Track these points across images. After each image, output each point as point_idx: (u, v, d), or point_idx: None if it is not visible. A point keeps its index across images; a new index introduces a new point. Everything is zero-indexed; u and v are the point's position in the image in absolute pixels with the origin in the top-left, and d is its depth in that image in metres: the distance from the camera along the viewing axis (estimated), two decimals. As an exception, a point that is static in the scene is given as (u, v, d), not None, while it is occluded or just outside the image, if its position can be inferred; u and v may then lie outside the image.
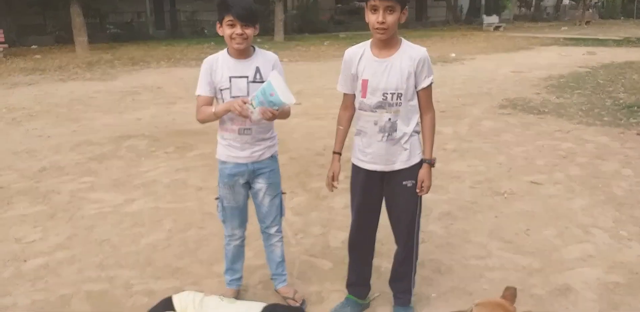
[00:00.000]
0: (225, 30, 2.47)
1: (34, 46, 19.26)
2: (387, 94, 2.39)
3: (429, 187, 2.50)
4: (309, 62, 14.97)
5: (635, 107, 7.74)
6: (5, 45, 16.23)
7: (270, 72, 2.39)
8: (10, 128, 7.14)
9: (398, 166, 2.49)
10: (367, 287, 2.86)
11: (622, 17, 44.32)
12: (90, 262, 3.38)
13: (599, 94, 9.09)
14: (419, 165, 2.51)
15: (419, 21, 36.20)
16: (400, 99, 2.39)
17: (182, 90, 10.12)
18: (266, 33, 23.23)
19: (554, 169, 5.07)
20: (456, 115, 7.61)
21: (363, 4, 2.36)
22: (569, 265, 3.25)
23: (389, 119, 2.42)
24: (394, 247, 2.76)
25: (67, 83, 11.19)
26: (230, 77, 2.53)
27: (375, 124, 2.45)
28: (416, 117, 2.49)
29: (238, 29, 2.43)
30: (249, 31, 2.46)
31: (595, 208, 4.12)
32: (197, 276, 3.22)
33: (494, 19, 31.36)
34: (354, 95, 2.54)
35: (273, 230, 2.88)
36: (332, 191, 2.74)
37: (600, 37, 23.12)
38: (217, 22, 2.51)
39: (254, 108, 2.34)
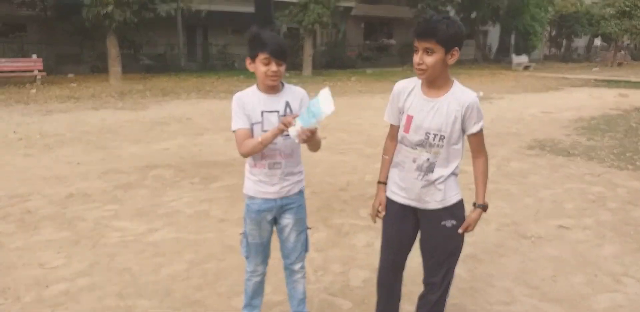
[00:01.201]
0: (259, 67, 2.49)
1: (70, 75, 19.95)
2: (429, 134, 2.38)
3: (472, 229, 2.47)
4: (336, 97, 15.01)
5: (668, 152, 7.57)
6: (44, 73, 16.87)
7: (323, 89, 2.38)
8: (42, 154, 7.32)
9: (432, 205, 2.47)
10: None
11: (655, 59, 43.92)
12: (110, 291, 3.38)
13: (632, 138, 8.93)
14: (457, 205, 2.48)
15: (446, 60, 36.40)
16: (443, 141, 2.37)
17: (210, 121, 10.30)
18: (295, 68, 23.70)
19: (583, 214, 4.94)
20: (482, 154, 7.53)
21: (391, 41, 2.40)
22: (598, 315, 3.13)
23: (428, 159, 2.41)
24: (416, 289, 2.69)
25: (99, 111, 11.50)
26: (262, 112, 2.56)
27: (414, 161, 2.44)
28: (456, 162, 2.45)
29: (274, 67, 2.46)
30: (282, 68, 2.50)
31: (627, 256, 3.98)
32: (215, 309, 3.19)
33: (523, 58, 31.43)
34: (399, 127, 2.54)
35: (297, 266, 2.85)
36: (375, 222, 2.70)
37: (633, 80, 22.91)
38: (248, 57, 2.53)
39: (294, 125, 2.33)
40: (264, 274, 2.89)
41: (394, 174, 2.57)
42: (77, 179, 6.03)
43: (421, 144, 2.41)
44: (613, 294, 3.40)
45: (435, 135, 2.37)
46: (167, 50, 25.16)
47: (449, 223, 2.46)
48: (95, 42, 21.02)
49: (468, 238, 4.26)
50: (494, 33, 38.91)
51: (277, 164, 2.61)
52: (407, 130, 2.44)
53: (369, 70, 26.86)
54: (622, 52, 39.46)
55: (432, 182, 2.43)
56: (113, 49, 18.20)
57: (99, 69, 21.11)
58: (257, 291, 2.91)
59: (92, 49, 21.83)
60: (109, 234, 4.37)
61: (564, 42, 42.62)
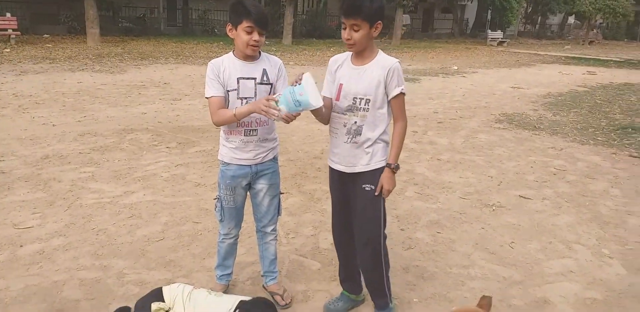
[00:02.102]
0: (241, 36, 2.51)
1: (46, 35, 19.39)
2: (356, 98, 2.52)
3: (389, 192, 2.55)
4: (315, 66, 15.09)
5: (630, 129, 7.87)
6: (18, 33, 16.38)
7: (304, 74, 2.40)
8: (16, 114, 7.24)
9: (358, 168, 2.60)
10: (358, 283, 2.94)
11: (625, 39, 44.71)
12: (85, 251, 3.47)
13: (595, 114, 9.23)
14: (379, 171, 2.59)
15: (425, 32, 36.49)
16: (368, 105, 2.51)
17: (188, 87, 10.25)
18: (275, 36, 23.42)
19: (544, 185, 5.18)
20: (453, 127, 7.74)
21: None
22: (549, 279, 3.35)
23: (355, 123, 2.55)
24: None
25: (76, 73, 11.31)
26: (238, 79, 2.59)
27: (344, 126, 2.57)
28: (383, 126, 2.57)
29: (256, 36, 2.50)
30: (263, 39, 2.54)
31: (580, 225, 4.23)
32: (189, 269, 3.30)
33: (498, 34, 31.65)
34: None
35: (269, 229, 2.96)
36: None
37: (602, 58, 23.35)
38: (229, 23, 2.55)
39: (277, 106, 2.37)
40: (237, 237, 2.99)
41: (330, 143, 2.71)
42: (53, 140, 6.03)
43: (350, 109, 2.54)
44: (565, 260, 3.63)
45: (361, 99, 2.51)
46: (147, 13, 24.54)
47: (368, 187, 2.59)
48: (73, 2, 20.38)
49: (433, 205, 4.50)
50: (471, 8, 38.81)
51: (253, 130, 2.66)
52: (338, 97, 2.58)
53: (348, 41, 26.60)
54: (595, 30, 39.90)
55: (361, 145, 2.57)
56: (91, 10, 17.72)
57: (76, 30, 20.56)
58: (230, 252, 3.02)
59: (69, 9, 21.18)
60: (85, 195, 4.43)
61: (539, 19, 42.81)
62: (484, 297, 2.04)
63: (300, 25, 28.16)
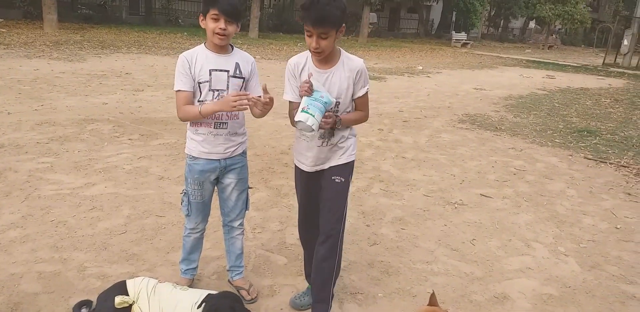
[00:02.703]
0: (208, 24, 2.48)
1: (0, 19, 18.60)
2: None
3: (325, 123, 2.41)
4: (282, 61, 15.03)
5: (585, 132, 8.17)
6: (-32, 16, 15.64)
7: (311, 78, 2.38)
8: (-33, 101, 6.94)
9: (332, 163, 2.62)
10: None
11: (582, 45, 46.39)
12: (44, 243, 3.37)
13: (554, 117, 9.53)
14: (348, 165, 2.63)
15: (391, 31, 36.87)
16: (338, 107, 2.53)
17: (151, 77, 10.04)
18: (241, 29, 23.06)
19: (504, 185, 5.33)
20: (417, 126, 7.85)
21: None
22: (508, 275, 3.45)
23: None
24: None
25: (32, 60, 10.90)
26: (210, 70, 2.54)
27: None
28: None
29: (222, 24, 2.45)
30: (232, 28, 2.48)
31: (538, 224, 4.37)
32: (152, 263, 3.25)
33: (462, 35, 32.36)
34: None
35: (237, 223, 2.94)
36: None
37: (561, 62, 24.16)
38: (201, 14, 2.51)
39: (313, 116, 2.32)
40: (203, 231, 2.96)
41: (298, 145, 2.68)
42: (9, 129, 5.80)
43: None
44: (523, 257, 3.74)
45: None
46: (108, 1, 23.84)
47: (338, 179, 2.61)
48: (28, -15, 19.62)
49: (397, 202, 4.57)
50: (437, 9, 39.49)
51: (223, 123, 2.62)
52: None
53: (315, 37, 26.64)
54: (554, 36, 41.30)
55: (335, 144, 2.60)
56: (48, -6, 17.09)
57: (33, 15, 19.78)
58: (196, 246, 2.98)
59: (25, -8, 20.34)
60: (44, 186, 4.29)
61: (502, 22, 43.92)
62: (431, 295, 2.12)
63: (267, 19, 27.99)
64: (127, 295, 2.40)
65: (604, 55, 26.68)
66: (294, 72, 2.56)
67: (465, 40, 32.08)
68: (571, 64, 23.70)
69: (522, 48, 35.33)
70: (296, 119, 2.34)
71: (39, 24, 17.72)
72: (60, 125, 6.11)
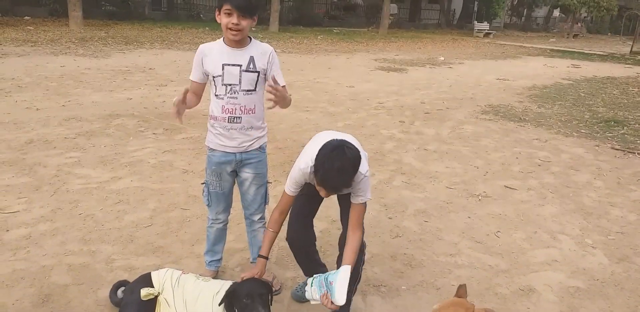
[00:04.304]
0: (222, 19, 2.48)
1: (27, 17, 18.98)
2: None
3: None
4: (302, 54, 15.03)
5: (612, 122, 8.00)
6: (-2, 15, 16.00)
7: (343, 267, 2.35)
8: (-2, 98, 7.11)
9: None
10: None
11: (609, 33, 45.28)
12: (73, 236, 3.44)
13: (579, 107, 9.35)
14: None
15: (412, 22, 36.48)
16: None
17: (174, 73, 10.13)
18: (261, 23, 23.15)
19: (529, 176, 5.26)
20: (440, 117, 7.79)
21: (359, 1, 2.45)
22: (534, 268, 3.42)
23: None
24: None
25: (59, 57, 11.10)
26: (223, 65, 2.55)
27: None
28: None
29: (234, 19, 2.43)
30: (245, 22, 2.47)
31: (564, 216, 4.31)
32: (178, 255, 3.30)
33: (484, 25, 31.84)
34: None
35: (257, 217, 2.97)
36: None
37: (586, 51, 23.63)
38: (217, 8, 2.51)
39: (312, 287, 2.37)
40: (225, 223, 3.00)
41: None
42: (37, 125, 5.94)
43: None
44: (549, 249, 3.70)
45: None
46: (131, -4, 24.13)
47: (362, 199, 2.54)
48: (54, -17, 19.94)
49: (420, 194, 4.55)
50: (458, -1, 38.93)
51: (236, 118, 2.62)
52: None
53: (335, 29, 26.60)
54: (579, 24, 40.37)
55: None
56: (73, -7, 17.36)
57: (58, 12, 20.13)
58: (219, 238, 3.03)
59: (51, -10, 20.69)
60: (72, 181, 4.39)
61: (525, 11, 43.10)
62: (460, 286, 2.09)
63: (287, 12, 27.93)
64: (153, 287, 2.45)
65: (631, 43, 26.00)
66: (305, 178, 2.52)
67: (488, 30, 31.57)
68: (597, 53, 23.17)
69: (547, 37, 34.63)
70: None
71: (65, 22, 18.02)
72: (86, 121, 6.23)
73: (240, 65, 2.56)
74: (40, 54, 11.28)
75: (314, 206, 2.79)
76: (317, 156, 2.27)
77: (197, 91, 2.69)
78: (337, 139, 2.33)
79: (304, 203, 2.72)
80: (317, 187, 2.35)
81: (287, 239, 2.78)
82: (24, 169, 4.58)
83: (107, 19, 21.20)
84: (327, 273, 2.40)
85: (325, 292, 2.30)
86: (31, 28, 15.89)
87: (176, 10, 25.70)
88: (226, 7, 2.43)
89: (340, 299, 2.26)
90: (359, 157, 2.28)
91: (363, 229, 2.53)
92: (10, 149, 5.06)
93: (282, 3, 25.53)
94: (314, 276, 2.43)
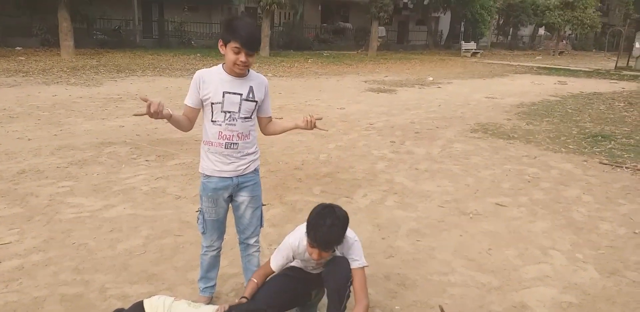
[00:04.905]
0: (229, 55, 2.53)
1: (18, 48, 19.16)
2: None
3: None
4: (293, 78, 15.20)
5: (600, 137, 8.11)
6: (-12, 46, 16.14)
7: None
8: (-11, 129, 7.13)
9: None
10: None
11: (594, 50, 46.11)
12: (66, 266, 3.43)
13: (567, 123, 9.48)
14: None
15: (400, 44, 37.09)
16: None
17: (166, 99, 10.19)
18: (251, 47, 23.44)
19: (519, 193, 5.31)
20: (430, 137, 7.87)
21: (347, 24, 2.56)
22: (526, 284, 3.43)
23: None
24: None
25: (51, 86, 11.19)
26: (224, 92, 2.60)
27: None
28: None
29: (243, 57, 2.50)
30: (252, 59, 2.55)
31: (555, 231, 4.34)
32: (172, 282, 3.30)
33: (471, 45, 32.40)
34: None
35: (252, 241, 2.98)
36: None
37: (572, 68, 24.03)
38: (221, 39, 2.55)
39: None
40: (219, 249, 3.01)
41: None
42: (29, 155, 5.96)
43: None
44: (541, 265, 3.72)
45: None
46: (122, 25, 24.44)
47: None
48: (46, 14, 20.13)
49: (412, 214, 4.59)
50: (445, 20, 39.66)
51: (233, 144, 2.68)
52: None
53: (325, 53, 26.98)
54: (564, 41, 41.13)
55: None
56: (65, 23, 17.58)
57: (50, 43, 20.34)
58: (213, 264, 3.03)
59: (42, 21, 20.90)
60: (64, 210, 4.39)
61: (511, 30, 43.90)
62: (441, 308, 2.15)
63: (277, 37, 28.35)
64: (145, 314, 2.45)
65: (616, 58, 26.49)
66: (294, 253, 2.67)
67: (475, 49, 32.11)
68: (583, 69, 23.55)
69: (533, 55, 35.21)
70: None
71: (57, 51, 18.20)
72: (79, 149, 6.26)
73: (241, 94, 2.63)
74: (32, 84, 11.37)
75: (295, 288, 2.75)
76: (308, 217, 2.47)
77: (191, 116, 2.71)
78: (326, 203, 2.55)
79: (288, 282, 2.74)
80: (309, 250, 2.49)
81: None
82: (15, 199, 4.58)
83: (98, 48, 21.43)
84: None
85: None
86: (23, 58, 16.03)
87: (167, 38, 26.01)
88: (235, 44, 2.47)
89: None
90: (347, 217, 2.50)
91: (368, 299, 2.61)
92: (2, 179, 5.07)
93: (273, 28, 25.94)
94: None
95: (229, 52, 2.52)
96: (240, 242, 3.02)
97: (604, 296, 3.31)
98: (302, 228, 2.60)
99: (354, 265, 2.59)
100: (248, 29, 2.47)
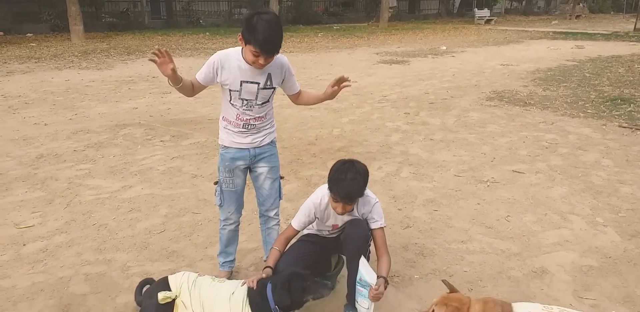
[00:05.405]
0: (247, 55, 2.48)
1: (29, 34, 19.21)
2: None
3: (378, 294, 2.43)
4: (303, 53, 15.04)
5: (619, 100, 7.93)
6: (0, 33, 16.18)
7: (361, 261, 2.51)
8: (6, 115, 7.21)
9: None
10: None
11: (612, 12, 44.75)
12: (88, 246, 3.50)
13: (585, 87, 9.28)
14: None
15: (411, 14, 36.31)
16: None
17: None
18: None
19: (536, 159, 5.24)
20: (444, 106, 7.77)
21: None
22: (546, 249, 3.42)
23: None
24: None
25: (63, 71, 11.24)
26: (241, 82, 2.60)
27: None
28: None
29: (262, 60, 2.46)
30: (272, 58, 2.50)
31: (574, 196, 4.30)
32: (192, 258, 3.35)
33: (485, 12, 31.64)
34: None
35: (272, 213, 3.01)
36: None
37: (589, 31, 23.37)
38: (241, 35, 2.47)
39: (366, 299, 2.46)
40: (237, 223, 3.04)
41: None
42: (46, 139, 6.03)
43: None
44: (560, 230, 3.70)
45: None
46: (130, 7, 24.30)
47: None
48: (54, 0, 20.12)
49: (428, 184, 4.57)
50: (458, -13, 38.70)
51: (250, 125, 2.73)
52: None
53: (335, 26, 26.58)
54: (581, 5, 39.90)
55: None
56: (73, 7, 17.51)
57: (60, 28, 20.34)
58: (231, 239, 3.07)
59: (51, 7, 20.86)
60: (83, 192, 4.46)
61: (525, -5, 42.76)
62: (445, 283, 2.24)
63: (286, 12, 27.97)
64: (170, 290, 2.50)
65: (634, 20, 25.66)
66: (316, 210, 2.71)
67: (489, 16, 31.36)
68: (601, 32, 22.91)
69: (548, 20, 34.27)
70: None
71: (67, 36, 18.21)
72: (94, 133, 6.32)
73: (259, 84, 2.62)
74: (45, 70, 11.42)
75: (314, 252, 2.81)
76: (329, 173, 2.54)
77: (197, 87, 2.73)
78: (345, 158, 2.61)
79: (306, 247, 2.81)
80: (333, 205, 2.58)
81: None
82: (36, 183, 4.65)
83: (108, 31, 21.40)
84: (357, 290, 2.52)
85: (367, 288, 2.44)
86: (34, 45, 16.08)
87: (175, 18, 25.85)
88: (254, 49, 2.41)
89: (372, 278, 2.42)
90: (367, 170, 2.57)
91: (389, 254, 2.67)
92: (22, 164, 5.15)
93: (281, 3, 25.58)
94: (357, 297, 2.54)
95: (247, 52, 2.48)
96: (261, 216, 3.05)
97: (625, 258, 3.28)
98: (323, 188, 2.69)
99: (375, 225, 2.66)
100: (268, 31, 2.36)
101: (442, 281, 2.22)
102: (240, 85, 2.60)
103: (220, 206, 2.95)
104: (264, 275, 2.55)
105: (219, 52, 2.65)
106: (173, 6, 26.41)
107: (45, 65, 12.12)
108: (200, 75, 2.68)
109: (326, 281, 2.40)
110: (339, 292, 2.88)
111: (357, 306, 2.55)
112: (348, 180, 2.45)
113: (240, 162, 2.82)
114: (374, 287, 2.40)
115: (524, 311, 2.00)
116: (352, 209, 2.65)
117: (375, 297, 2.40)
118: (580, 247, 3.44)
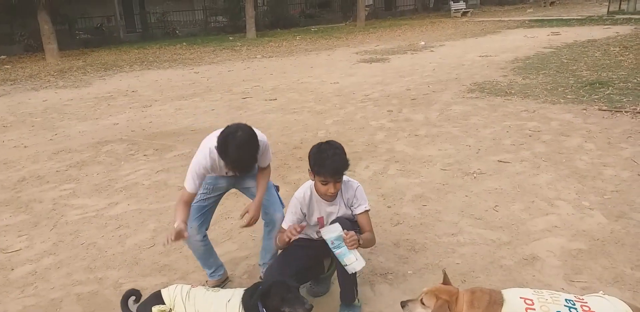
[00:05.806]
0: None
1: (2, 56, 18.97)
2: None
3: (352, 241, 2.52)
4: (282, 57, 15.02)
5: (597, 84, 8.01)
6: (-29, 58, 15.97)
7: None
8: (-15, 140, 7.13)
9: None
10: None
11: (586, -4, 45.05)
12: (78, 266, 3.47)
13: (563, 73, 9.36)
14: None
15: (388, 11, 36.42)
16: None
17: (157, 92, 10.15)
18: (238, 30, 23.21)
19: (521, 148, 5.27)
20: (426, 102, 7.80)
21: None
22: (535, 236, 3.44)
23: None
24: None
25: (40, 92, 11.12)
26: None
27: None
28: None
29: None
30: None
31: (559, 182, 4.33)
32: (184, 271, 3.33)
33: (461, 4, 31.79)
34: None
35: (279, 215, 2.94)
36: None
37: (564, 17, 23.60)
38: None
39: (349, 252, 2.49)
40: (203, 237, 2.95)
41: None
42: (27, 162, 5.96)
43: None
44: (548, 216, 3.73)
45: None
46: (104, 22, 24.11)
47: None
48: (25, 19, 19.82)
49: (415, 180, 4.57)
50: (432, -19, 38.88)
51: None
52: None
53: (313, 28, 26.63)
54: (555, -9, 40.20)
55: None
56: (46, 25, 17.30)
57: (34, 47, 20.07)
58: (206, 252, 3.01)
59: (23, 27, 20.54)
60: (69, 212, 4.41)
61: (500, -15, 43.01)
62: (444, 273, 2.25)
63: (262, 17, 27.93)
64: (164, 304, 2.47)
65: (607, 3, 25.98)
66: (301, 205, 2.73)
67: (465, 9, 31.51)
68: (575, 17, 23.13)
69: (524, 9, 34.55)
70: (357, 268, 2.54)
71: (41, 56, 18.02)
72: (76, 151, 6.25)
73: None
74: (21, 91, 11.30)
75: (306, 256, 2.80)
76: (309, 159, 2.58)
77: (191, 200, 2.78)
78: (322, 142, 2.62)
79: (298, 251, 2.78)
80: (324, 189, 2.58)
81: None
82: (19, 207, 4.60)
83: (83, 48, 21.16)
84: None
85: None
86: (8, 67, 15.89)
87: (151, 30, 25.68)
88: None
89: (338, 231, 2.49)
90: (343, 147, 2.60)
91: (374, 233, 2.76)
92: (4, 189, 5.09)
93: (257, 8, 25.54)
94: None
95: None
96: (266, 225, 3.01)
97: (613, 239, 3.31)
98: (304, 185, 2.76)
99: (359, 210, 2.72)
100: (238, 153, 2.44)
101: (443, 271, 2.25)
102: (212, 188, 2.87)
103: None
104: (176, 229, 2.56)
105: (203, 163, 2.71)
106: (148, 18, 26.25)
107: (22, 86, 12.00)
108: (192, 185, 2.71)
109: (306, 300, 2.35)
110: (334, 293, 2.87)
111: (347, 268, 2.51)
112: (330, 157, 2.49)
113: (222, 182, 2.85)
114: (344, 236, 2.46)
115: (513, 296, 2.01)
116: (337, 196, 2.68)
117: (352, 241, 2.45)
118: (569, 231, 3.47)
